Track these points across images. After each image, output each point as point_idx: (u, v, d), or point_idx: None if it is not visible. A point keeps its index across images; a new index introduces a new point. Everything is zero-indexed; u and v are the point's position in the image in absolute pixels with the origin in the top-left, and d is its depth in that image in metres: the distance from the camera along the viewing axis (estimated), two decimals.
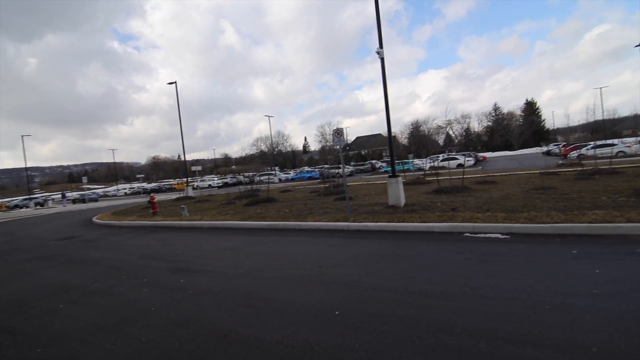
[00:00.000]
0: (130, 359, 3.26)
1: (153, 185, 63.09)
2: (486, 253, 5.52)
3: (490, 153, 59.94)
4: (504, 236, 6.45)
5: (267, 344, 3.31)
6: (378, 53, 10.41)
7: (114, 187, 73.49)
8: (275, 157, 73.00)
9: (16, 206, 47.65)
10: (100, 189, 74.28)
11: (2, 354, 3.63)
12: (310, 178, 42.64)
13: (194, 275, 5.78)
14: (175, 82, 29.17)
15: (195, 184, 46.10)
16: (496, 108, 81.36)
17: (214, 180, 52.00)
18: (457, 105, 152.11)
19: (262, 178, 23.49)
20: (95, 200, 46.09)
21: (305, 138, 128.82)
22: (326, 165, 25.10)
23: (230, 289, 4.92)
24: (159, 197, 18.47)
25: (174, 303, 4.59)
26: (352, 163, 53.98)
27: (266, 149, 78.45)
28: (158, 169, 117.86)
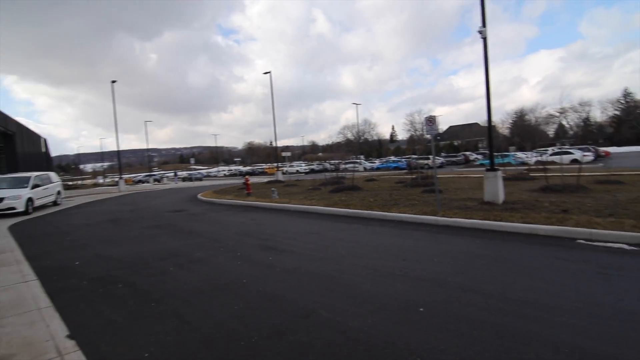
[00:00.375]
0: (222, 324, 3.58)
1: (247, 168, 68.44)
2: (606, 265, 4.68)
3: (615, 148, 50.55)
4: (632, 247, 5.39)
5: (347, 329, 3.31)
6: (480, 32, 9.45)
7: (215, 169, 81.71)
8: (361, 145, 72.85)
9: (140, 181, 56.39)
10: (204, 170, 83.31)
11: (127, 302, 4.31)
12: (396, 168, 41.56)
13: (281, 254, 6.09)
14: (269, 72, 30.86)
15: (285, 169, 48.69)
16: (627, 94, 67.74)
17: (301, 166, 54.26)
18: (575, 90, 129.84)
19: (347, 166, 23.68)
20: (200, 179, 51.89)
21: (393, 127, 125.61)
22: (414, 156, 24.12)
23: (314, 272, 5.05)
24: (252, 180, 19.94)
25: (263, 278, 4.90)
26: (442, 154, 50.98)
27: (352, 137, 78.71)
28: (252, 153, 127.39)
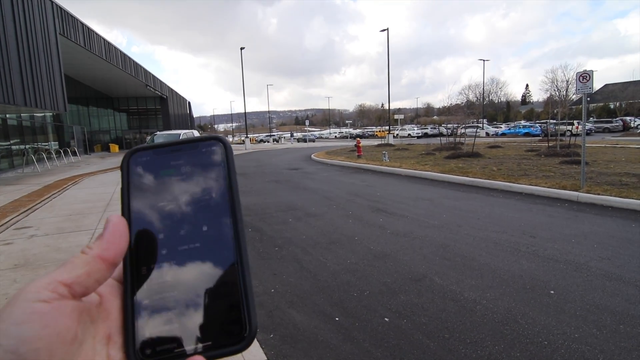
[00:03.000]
0: (337, 274, 3.84)
1: (358, 131, 68.83)
2: None
3: None
4: None
5: (462, 299, 3.20)
6: None
7: (327, 131, 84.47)
8: (485, 107, 65.40)
9: (261, 140, 62.22)
10: (317, 132, 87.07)
11: (255, 245, 4.96)
12: (526, 134, 36.33)
13: (391, 217, 6.10)
14: (387, 29, 29.45)
15: (396, 132, 47.33)
16: None
17: (413, 129, 51.89)
18: None
19: (466, 131, 21.67)
20: (313, 140, 54.48)
21: (527, 86, 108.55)
22: (552, 120, 20.57)
23: (426, 237, 4.94)
24: (362, 143, 20.05)
25: (374, 238, 5.02)
26: (592, 119, 42.26)
27: (475, 99, 71.02)
28: (363, 116, 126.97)
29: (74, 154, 23.73)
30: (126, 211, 0.33)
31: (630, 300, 3.08)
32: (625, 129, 34.85)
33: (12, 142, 16.88)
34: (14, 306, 0.25)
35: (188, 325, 0.31)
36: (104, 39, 22.20)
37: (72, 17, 18.21)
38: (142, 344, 0.30)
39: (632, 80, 65.21)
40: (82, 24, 19.34)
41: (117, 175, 13.44)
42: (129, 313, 0.31)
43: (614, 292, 3.23)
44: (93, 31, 20.59)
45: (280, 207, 7.23)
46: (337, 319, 2.98)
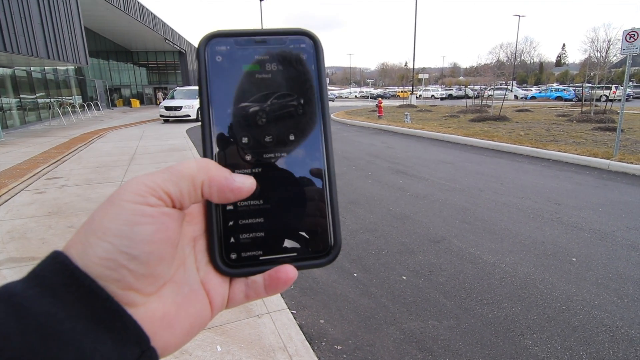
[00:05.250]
0: (356, 233, 3.89)
1: (379, 91, 66.81)
2: None
3: None
4: None
5: (481, 262, 3.21)
6: None
7: (347, 90, 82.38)
8: (515, 68, 61.78)
9: None
10: (336, 91, 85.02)
11: None
12: (558, 98, 34.47)
13: (411, 179, 6.04)
14: None
15: (419, 93, 45.69)
16: None
17: (437, 90, 49.98)
18: None
19: (494, 93, 20.71)
20: (332, 100, 53.33)
21: (564, 46, 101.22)
22: (587, 84, 19.33)
23: (447, 201, 4.89)
24: (383, 103, 19.46)
25: (393, 199, 5.01)
26: (632, 84, 39.49)
27: (505, 59, 67.06)
28: (385, 75, 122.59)
29: (97, 108, 24.15)
30: (205, 108, 0.30)
31: None
32: None
33: (37, 95, 17.23)
34: (119, 206, 0.24)
35: (275, 235, 0.30)
36: None
37: None
38: (227, 249, 0.30)
39: None
40: None
41: (139, 130, 13.69)
42: (214, 218, 0.29)
43: (639, 263, 3.17)
44: None
45: None
46: (355, 275, 3.06)
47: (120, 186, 0.25)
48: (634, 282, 2.85)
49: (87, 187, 5.55)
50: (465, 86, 44.05)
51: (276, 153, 0.31)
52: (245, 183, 0.28)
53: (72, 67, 22.38)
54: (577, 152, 7.38)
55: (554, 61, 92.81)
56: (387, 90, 68.43)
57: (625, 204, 4.67)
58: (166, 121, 17.08)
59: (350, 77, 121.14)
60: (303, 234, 0.30)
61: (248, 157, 0.30)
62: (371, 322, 2.47)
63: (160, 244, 0.25)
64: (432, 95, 47.06)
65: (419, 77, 42.59)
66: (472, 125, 12.47)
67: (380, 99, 19.41)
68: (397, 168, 6.90)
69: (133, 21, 24.51)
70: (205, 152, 0.30)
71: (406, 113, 15.47)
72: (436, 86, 61.45)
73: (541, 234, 3.78)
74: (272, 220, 0.30)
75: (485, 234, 3.79)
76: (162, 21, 29.73)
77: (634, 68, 55.29)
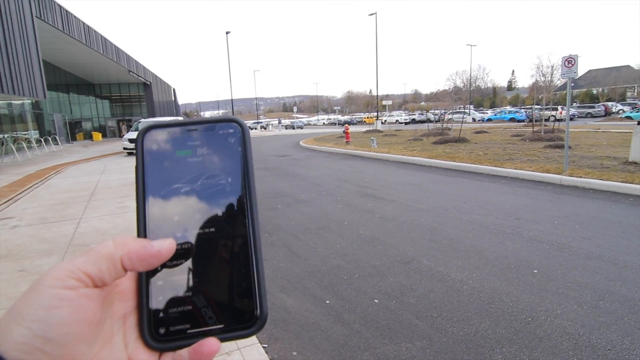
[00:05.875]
0: (327, 258, 3.87)
1: (346, 117, 68.61)
2: None
3: None
4: None
5: (449, 280, 3.27)
6: None
7: (315, 117, 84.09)
8: (471, 93, 65.83)
9: (249, 127, 61.56)
10: (305, 118, 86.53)
11: None
12: (512, 120, 36.83)
13: (380, 202, 6.15)
14: (375, 13, 29.14)
15: (384, 118, 47.35)
16: None
17: (401, 116, 52.03)
18: None
19: (453, 116, 21.83)
20: (301, 127, 54.12)
21: (513, 72, 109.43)
22: (536, 106, 20.91)
23: (414, 221, 5.01)
24: (350, 129, 20.02)
25: (363, 222, 5.07)
26: (575, 104, 43.00)
27: (462, 84, 71.41)
28: (351, 102, 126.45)
29: (55, 142, 23.09)
30: (141, 191, 0.33)
31: (610, 277, 3.20)
32: (607, 114, 35.63)
33: None
34: (39, 292, 0.25)
35: (201, 308, 0.31)
36: (84, 23, 21.37)
37: None
38: (156, 324, 0.31)
39: (613, 66, 66.32)
40: (60, 7, 18.56)
41: (101, 165, 13.18)
42: (144, 294, 0.31)
43: (595, 270, 3.35)
44: (72, 14, 19.79)
45: (269, 194, 7.21)
46: (327, 301, 3.02)
47: (44, 272, 0.27)
48: (591, 289, 3.01)
49: (42, 227, 5.22)
50: (427, 111, 46.23)
51: (205, 229, 0.33)
52: (163, 245, 0.30)
53: (29, 101, 21.46)
54: (531, 169, 7.86)
55: (506, 86, 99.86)
56: (354, 116, 70.43)
57: (578, 216, 4.98)
58: (130, 154, 16.56)
59: (317, 104, 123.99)
60: (230, 306, 0.32)
61: (178, 234, 0.32)
62: (345, 349, 2.43)
63: (78, 325, 0.26)
64: (397, 120, 48.89)
65: (383, 104, 44.30)
66: (435, 148, 13.01)
67: (347, 125, 19.92)
68: (366, 191, 7.03)
69: (95, 54, 24.11)
70: (139, 231, 0.32)
71: (372, 138, 15.94)
72: (400, 112, 64.00)
73: (504, 248, 3.93)
74: (200, 294, 0.32)
75: (453, 252, 3.90)
76: (125, 53, 29.44)
77: (575, 90, 60.49)
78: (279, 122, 53.60)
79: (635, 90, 56.16)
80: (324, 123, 67.78)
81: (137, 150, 0.33)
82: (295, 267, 3.73)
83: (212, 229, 0.33)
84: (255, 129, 57.41)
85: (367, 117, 56.04)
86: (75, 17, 20.29)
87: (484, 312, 2.75)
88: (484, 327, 2.57)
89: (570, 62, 7.13)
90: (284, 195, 6.95)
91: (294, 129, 50.12)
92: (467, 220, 4.95)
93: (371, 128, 28.99)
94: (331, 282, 3.34)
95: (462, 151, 11.59)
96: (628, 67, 62.58)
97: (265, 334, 2.61)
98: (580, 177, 6.87)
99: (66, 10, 19.20)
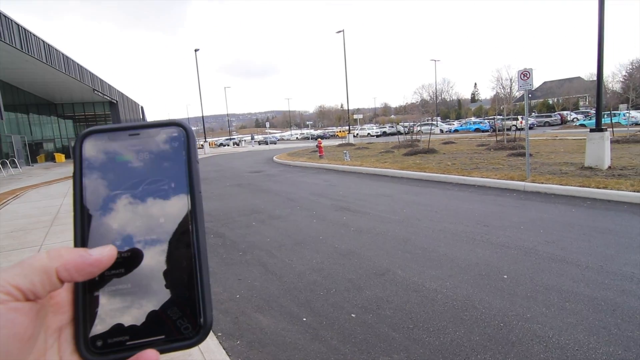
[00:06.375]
0: (303, 274, 3.83)
1: (319, 132, 69.24)
2: None
3: None
4: None
5: (424, 290, 3.31)
6: None
7: (288, 133, 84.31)
8: (438, 106, 68.39)
9: (221, 144, 60.75)
10: (278, 134, 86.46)
11: (218, 251, 4.83)
12: (477, 130, 38.48)
13: (354, 215, 6.20)
14: (342, 31, 29.93)
15: (356, 131, 48.18)
16: None
17: (372, 129, 53.14)
18: None
19: (422, 128, 22.53)
20: (274, 142, 54.05)
21: (475, 84, 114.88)
22: (499, 116, 21.99)
23: (388, 233, 5.07)
24: (323, 143, 20.22)
25: (338, 236, 5.07)
26: (534, 114, 45.51)
27: (428, 97, 74.16)
28: (323, 116, 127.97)
29: (14, 165, 21.82)
30: (78, 199, 0.31)
31: (574, 279, 3.35)
32: (563, 122, 37.95)
33: None
34: None
35: (141, 319, 0.30)
36: (44, 41, 20.59)
37: (6, 17, 16.74)
38: (93, 337, 0.29)
39: (566, 78, 71.06)
40: (18, 25, 17.84)
41: (64, 187, 12.55)
42: (79, 306, 0.30)
43: (559, 272, 3.50)
44: (30, 32, 19.04)
45: (243, 211, 7.10)
46: (304, 319, 2.98)
47: None
48: (557, 291, 3.13)
49: None
50: (397, 123, 47.49)
51: (146, 236, 0.32)
52: (102, 253, 0.29)
53: None
54: (497, 177, 8.20)
55: (469, 98, 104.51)
56: (327, 130, 71.14)
57: (542, 220, 5.21)
58: None
59: (290, 120, 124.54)
60: (171, 316, 0.31)
61: (118, 242, 0.31)
62: None
63: (7, 341, 0.24)
64: (368, 134, 49.85)
65: (355, 117, 45.14)
66: (406, 159, 13.34)
67: (320, 139, 20.10)
68: (340, 205, 7.06)
69: (57, 73, 23.21)
70: (75, 241, 0.31)
71: (345, 151, 16.14)
72: (371, 125, 65.41)
73: (475, 255, 4.04)
74: (140, 304, 0.31)
75: (426, 262, 3.96)
76: (90, 72, 28.54)
77: (533, 101, 64.16)
78: (252, 138, 53.30)
79: (587, 100, 60.29)
80: (297, 138, 68.01)
81: (75, 156, 0.32)
82: (270, 285, 3.66)
83: (154, 237, 0.32)
84: (228, 145, 56.76)
85: (340, 131, 56.80)
86: (34, 35, 19.54)
87: (458, 320, 2.80)
88: (459, 336, 2.61)
89: (525, 75, 7.59)
90: (258, 212, 6.86)
91: (267, 144, 49.97)
92: (439, 230, 5.07)
93: (344, 141, 29.38)
94: (307, 299, 3.30)
95: (432, 162, 11.94)
96: (579, 78, 67.33)
97: (240, 357, 2.53)
98: (542, 183, 7.23)
99: (24, 29, 18.47)
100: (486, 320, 2.78)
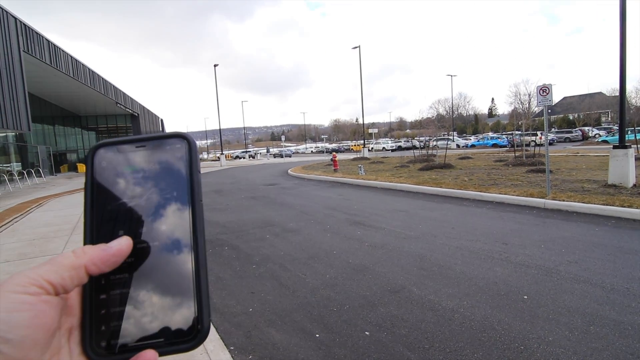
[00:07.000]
0: (317, 289, 3.80)
1: (333, 145, 69.52)
2: None
3: None
4: None
5: (440, 309, 3.23)
6: None
7: (303, 146, 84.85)
8: (454, 120, 67.90)
9: (237, 157, 61.66)
10: (293, 147, 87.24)
11: (232, 263, 4.85)
12: (494, 145, 37.89)
13: (369, 230, 6.14)
14: (359, 47, 30.28)
15: (371, 146, 48.14)
16: None
17: (388, 143, 53.04)
18: None
19: (438, 143, 22.35)
20: (289, 156, 54.52)
21: (493, 99, 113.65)
22: (517, 132, 21.65)
23: (403, 249, 4.99)
24: (338, 157, 20.28)
25: (352, 251, 5.02)
26: (554, 130, 44.63)
27: (445, 112, 73.74)
28: (338, 130, 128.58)
29: (39, 175, 22.62)
30: (88, 207, 0.34)
31: (598, 301, 3.21)
32: (584, 138, 37.02)
33: None
34: (0, 296, 0.26)
35: (142, 322, 0.32)
36: (72, 56, 21.58)
37: (37, 34, 17.64)
38: (98, 338, 0.32)
39: (587, 93, 69.63)
40: (48, 41, 18.77)
41: None
42: (87, 309, 0.32)
43: (583, 294, 3.36)
44: (59, 48, 20.00)
45: (257, 223, 7.13)
46: (317, 335, 2.93)
47: (4, 280, 0.28)
48: (581, 314, 3.00)
49: (21, 263, 5.01)
50: (413, 138, 47.27)
51: (149, 242, 0.34)
52: (121, 243, 0.32)
53: (12, 134, 21.18)
54: (515, 193, 8.01)
55: (487, 113, 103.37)
56: (341, 144, 71.40)
57: (564, 239, 5.05)
58: None
59: (305, 133, 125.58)
60: (171, 320, 0.33)
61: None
62: None
63: (36, 329, 0.27)
64: (383, 148, 49.75)
65: (370, 132, 45.14)
66: (422, 174, 13.21)
67: (335, 153, 20.16)
68: (355, 219, 7.02)
69: (83, 87, 24.20)
70: (85, 242, 0.34)
71: (360, 165, 16.12)
72: (386, 139, 65.27)
73: (493, 274, 3.93)
74: (142, 308, 0.33)
75: (443, 279, 3.87)
76: (113, 85, 29.64)
77: (552, 116, 62.95)
78: (267, 151, 53.92)
79: (609, 116, 58.79)
80: (312, 151, 68.39)
81: (87, 167, 0.35)
82: (283, 299, 3.63)
83: (156, 243, 0.34)
84: (244, 158, 57.52)
85: (355, 145, 56.87)
86: (63, 50, 20.50)
87: (476, 342, 2.71)
88: (477, 358, 2.52)
89: (544, 90, 7.48)
90: (273, 225, 6.88)
91: (282, 157, 50.41)
92: (455, 247, 4.96)
93: (358, 155, 29.37)
94: (321, 315, 3.26)
95: (448, 177, 11.78)
96: (600, 93, 65.83)
97: None
98: (563, 200, 7.02)
99: (54, 45, 19.41)
100: (506, 342, 2.68)
